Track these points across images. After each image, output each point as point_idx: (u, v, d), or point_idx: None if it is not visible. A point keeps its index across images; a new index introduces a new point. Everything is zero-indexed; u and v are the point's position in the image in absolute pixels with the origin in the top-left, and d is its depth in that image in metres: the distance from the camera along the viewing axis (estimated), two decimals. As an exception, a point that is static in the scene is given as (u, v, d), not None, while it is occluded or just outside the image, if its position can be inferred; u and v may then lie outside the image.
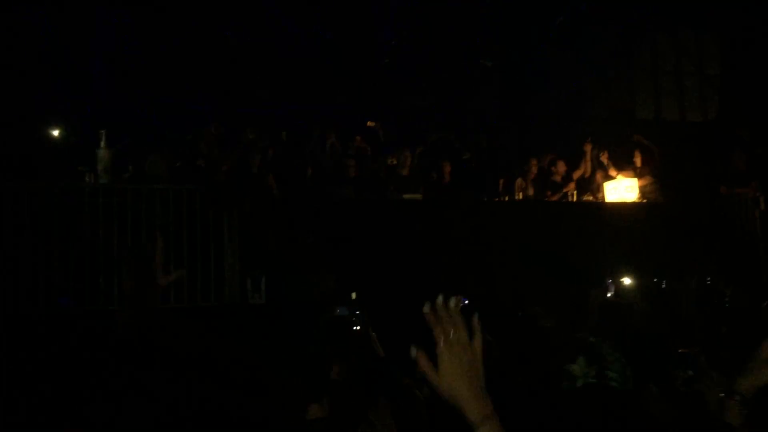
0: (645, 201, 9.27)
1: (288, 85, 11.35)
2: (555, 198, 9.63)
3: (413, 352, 1.42)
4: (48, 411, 5.15)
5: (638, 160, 9.73)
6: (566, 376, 1.96)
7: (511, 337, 4.21)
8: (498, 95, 13.19)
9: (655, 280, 5.23)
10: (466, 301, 5.17)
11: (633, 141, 9.97)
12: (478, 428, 1.41)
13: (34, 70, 10.26)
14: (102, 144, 7.34)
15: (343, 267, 7.03)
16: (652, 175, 9.56)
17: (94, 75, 10.91)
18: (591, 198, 9.44)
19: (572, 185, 9.72)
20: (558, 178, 10.02)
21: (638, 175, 9.52)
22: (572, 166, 10.18)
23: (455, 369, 1.42)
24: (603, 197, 9.36)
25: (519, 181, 9.73)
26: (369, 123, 10.50)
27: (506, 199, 9.20)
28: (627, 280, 5.00)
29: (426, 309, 1.46)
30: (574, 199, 9.43)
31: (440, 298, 1.47)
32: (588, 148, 9.94)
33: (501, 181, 9.49)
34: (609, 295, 4.47)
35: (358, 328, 5.02)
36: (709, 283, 5.99)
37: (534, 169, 9.94)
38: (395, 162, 8.99)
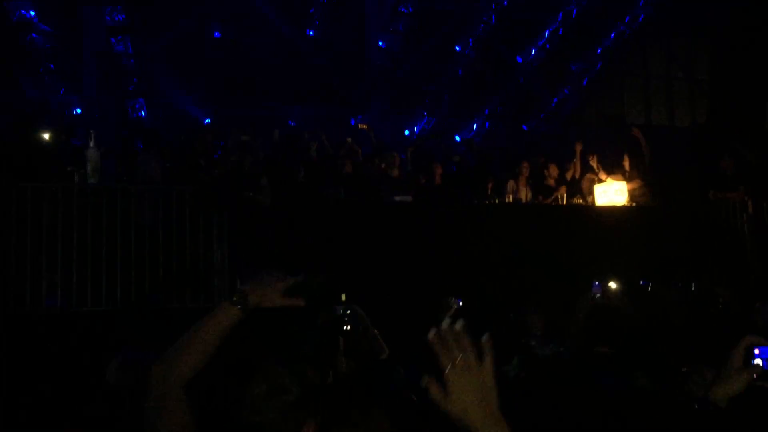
0: (634, 204, 9.31)
1: (280, 86, 11.37)
2: (547, 201, 9.67)
3: (424, 380, 1.36)
4: (41, 410, 5.13)
5: (627, 164, 9.78)
6: (502, 377, 1.96)
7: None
8: (490, 100, 13.25)
9: (642, 282, 5.25)
10: (460, 303, 5.18)
11: (631, 135, 10.01)
12: None
13: (26, 71, 10.24)
14: (91, 144, 7.32)
15: (333, 268, 7.02)
16: (642, 179, 9.61)
17: (85, 76, 10.89)
18: (581, 201, 9.48)
19: (563, 188, 9.76)
20: (551, 182, 10.07)
21: (627, 178, 9.57)
22: (564, 169, 10.23)
23: (466, 394, 1.36)
24: (593, 200, 9.40)
25: (511, 183, 9.76)
26: (360, 125, 10.52)
27: (497, 201, 9.22)
28: (614, 283, 5.01)
29: (431, 335, 1.39)
30: (564, 201, 9.46)
31: (446, 322, 1.40)
32: (579, 148, 9.99)
33: (490, 185, 9.51)
34: (596, 297, 4.48)
35: (349, 327, 5.01)
36: (694, 288, 6.01)
37: (526, 172, 9.98)
38: (384, 165, 9.01)
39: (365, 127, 10.25)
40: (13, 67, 10.05)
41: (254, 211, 7.48)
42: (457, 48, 12.87)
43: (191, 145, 8.34)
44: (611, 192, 9.31)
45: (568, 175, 10.02)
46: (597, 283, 4.30)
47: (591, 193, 9.48)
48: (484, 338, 1.41)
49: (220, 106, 11.14)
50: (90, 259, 6.79)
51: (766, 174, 9.73)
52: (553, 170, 10.12)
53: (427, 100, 12.77)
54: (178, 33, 10.99)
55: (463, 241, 8.00)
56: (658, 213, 9.22)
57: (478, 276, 7.53)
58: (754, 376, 1.91)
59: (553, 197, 9.68)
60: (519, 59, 13.28)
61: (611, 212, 9.04)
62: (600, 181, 9.57)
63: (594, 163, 9.78)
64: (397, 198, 8.49)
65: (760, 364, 1.91)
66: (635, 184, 9.52)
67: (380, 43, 12.47)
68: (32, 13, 9.98)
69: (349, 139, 9.48)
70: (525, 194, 9.77)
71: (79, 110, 10.47)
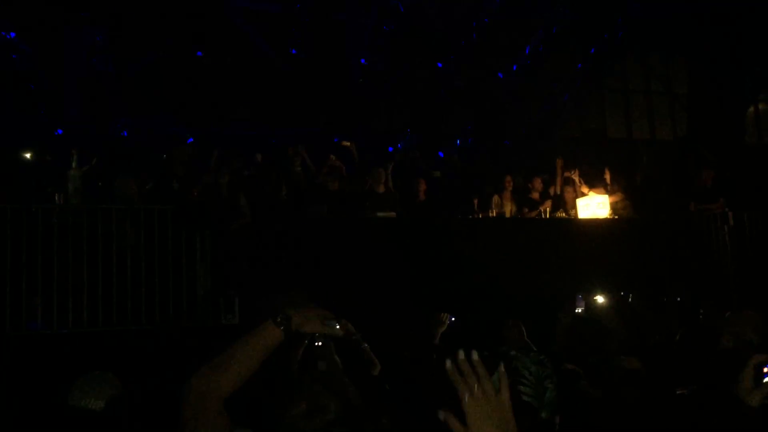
0: (616, 217, 9.38)
1: (261, 105, 11.38)
2: (532, 215, 9.72)
3: (441, 415, 1.36)
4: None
5: (608, 177, 9.87)
6: None
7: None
8: (471, 115, 13.32)
9: (622, 293, 5.27)
10: (453, 318, 5.17)
11: (611, 149, 10.11)
12: None
13: (6, 91, 10.19)
14: (73, 164, 7.28)
15: (316, 285, 7.00)
16: (623, 192, 9.70)
17: (65, 96, 10.84)
18: (564, 215, 9.53)
19: (548, 202, 9.82)
20: (536, 196, 10.13)
21: (609, 191, 9.65)
22: (546, 184, 10.31)
23: (484, 424, 1.37)
24: (575, 214, 9.46)
25: (495, 198, 9.81)
26: (344, 143, 10.52)
27: (480, 216, 9.25)
28: (597, 296, 5.03)
29: (448, 365, 1.41)
30: (547, 215, 9.52)
31: (461, 353, 1.42)
32: (560, 163, 10.07)
33: (476, 200, 9.55)
34: (578, 311, 4.49)
35: (320, 343, 4.97)
36: (679, 300, 6.05)
37: (509, 186, 10.03)
38: (368, 182, 9.02)
39: (348, 144, 10.25)
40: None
41: (235, 231, 7.44)
42: (439, 65, 12.95)
43: (172, 165, 8.31)
44: (594, 205, 9.37)
45: (551, 191, 10.10)
46: (579, 296, 4.31)
47: (573, 206, 9.55)
48: (501, 368, 1.43)
49: (203, 125, 11.13)
50: (71, 280, 6.74)
51: (746, 185, 9.84)
52: (537, 184, 10.20)
53: (410, 116, 12.82)
54: (159, 52, 10.97)
55: (447, 256, 8.01)
56: (640, 225, 9.29)
57: (463, 290, 7.52)
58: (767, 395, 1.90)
59: (537, 211, 9.74)
60: (501, 75, 13.39)
61: (594, 225, 9.10)
62: (582, 194, 9.64)
63: (576, 177, 9.86)
64: (381, 214, 8.50)
65: None
66: (617, 197, 9.61)
67: (362, 61, 12.52)
68: (12, 34, 9.94)
69: (333, 156, 9.48)
70: (510, 208, 9.82)
71: (60, 131, 10.42)
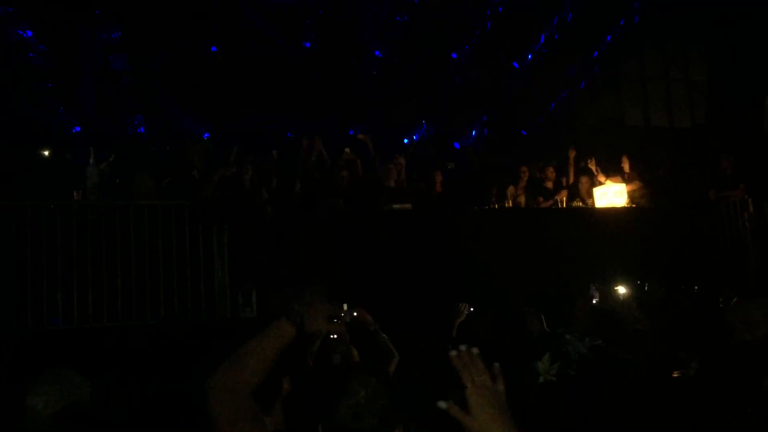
0: (634, 206, 9.30)
1: (276, 99, 11.39)
2: (546, 205, 9.67)
3: (442, 404, 1.43)
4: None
5: (626, 166, 9.79)
6: (530, 373, 1.98)
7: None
8: (486, 106, 13.26)
9: (639, 282, 5.24)
10: (472, 309, 5.17)
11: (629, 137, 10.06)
12: None
13: (23, 90, 10.29)
14: (91, 161, 7.35)
15: (334, 278, 7.02)
16: (641, 180, 9.61)
17: (83, 93, 10.93)
18: (580, 204, 9.47)
19: (563, 192, 9.76)
20: (550, 185, 10.08)
21: (627, 180, 9.57)
22: (562, 173, 10.25)
23: (487, 410, 1.42)
24: (593, 203, 9.39)
25: (511, 188, 9.77)
26: (359, 136, 10.52)
27: (496, 207, 9.22)
28: (612, 286, 5.00)
29: (453, 354, 1.49)
30: (564, 205, 9.46)
31: (464, 346, 1.50)
32: (572, 154, 10.01)
33: (495, 190, 9.52)
34: (595, 301, 4.46)
35: (335, 336, 4.99)
36: (697, 290, 6.00)
37: (525, 177, 9.99)
38: (384, 174, 9.02)
39: (363, 137, 10.25)
40: (11, 87, 10.10)
41: (253, 225, 7.48)
42: (454, 55, 12.90)
43: (188, 160, 8.35)
44: (611, 194, 9.30)
45: (564, 181, 10.03)
46: (593, 287, 4.29)
47: (590, 195, 9.48)
48: (496, 365, 1.50)
49: (218, 120, 11.17)
50: (90, 276, 6.81)
51: (766, 172, 9.71)
52: (550, 173, 10.14)
53: (425, 108, 12.79)
54: (174, 49, 11.03)
55: (463, 247, 7.99)
56: (658, 214, 9.21)
57: (481, 281, 7.52)
58: None
59: (552, 200, 9.69)
60: (516, 64, 13.31)
61: (611, 214, 9.04)
62: (599, 183, 9.57)
63: (592, 166, 9.79)
64: (396, 206, 8.49)
65: None
66: (635, 186, 9.53)
67: (376, 53, 12.50)
68: (29, 33, 10.04)
69: (348, 149, 9.49)
70: (525, 199, 9.78)
71: (77, 128, 10.52)
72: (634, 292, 5.10)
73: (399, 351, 4.35)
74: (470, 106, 13.14)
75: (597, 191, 9.42)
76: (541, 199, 9.80)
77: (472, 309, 5.25)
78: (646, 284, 5.32)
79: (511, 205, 9.41)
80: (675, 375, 2.92)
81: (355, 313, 5.20)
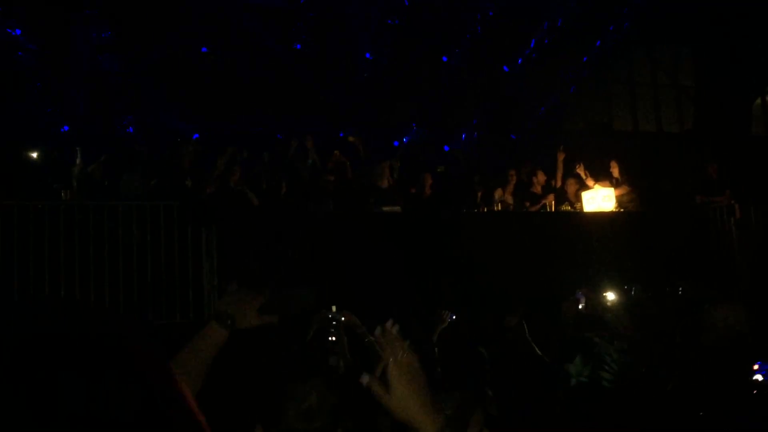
0: (622, 210, 9.35)
1: (266, 100, 11.39)
2: (534, 208, 9.70)
3: (365, 379, 1.45)
4: None
5: (616, 170, 9.84)
6: (562, 375, 2.00)
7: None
8: (477, 109, 13.30)
9: (626, 287, 5.26)
10: (454, 317, 5.18)
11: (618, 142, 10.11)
12: None
13: (12, 89, 10.24)
14: (78, 161, 7.33)
15: (322, 280, 7.03)
16: (629, 185, 9.67)
17: (71, 93, 10.89)
18: (569, 208, 9.51)
19: (551, 196, 9.80)
20: (538, 189, 10.10)
21: (615, 184, 9.62)
22: (551, 177, 10.29)
23: (405, 388, 1.45)
24: (581, 207, 9.44)
25: (498, 191, 9.80)
26: (350, 138, 10.54)
27: (485, 210, 9.24)
28: (602, 291, 5.02)
29: (377, 332, 1.49)
30: (552, 209, 9.50)
31: (389, 323, 1.50)
32: (561, 157, 10.05)
33: (480, 193, 9.54)
34: (581, 306, 4.47)
35: (334, 338, 4.99)
36: (681, 292, 6.03)
37: (513, 180, 10.02)
38: (373, 176, 9.04)
39: (354, 139, 10.27)
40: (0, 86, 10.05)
41: (241, 226, 7.48)
42: (444, 58, 12.93)
43: (177, 160, 8.34)
44: (599, 198, 9.35)
45: (553, 183, 10.07)
46: (579, 292, 4.30)
47: (578, 199, 9.53)
48: (407, 341, 1.51)
49: (208, 120, 11.15)
50: (77, 276, 6.79)
51: (753, 178, 9.80)
52: (541, 177, 10.17)
53: (416, 110, 12.81)
54: (164, 49, 10.99)
55: (451, 250, 8.01)
56: (646, 218, 9.27)
57: (467, 285, 7.53)
58: None
59: (540, 204, 9.72)
60: (506, 68, 13.35)
61: (599, 219, 9.09)
62: (587, 187, 9.62)
63: (581, 171, 9.83)
64: (386, 208, 8.51)
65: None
66: (623, 190, 9.58)
67: (367, 55, 12.51)
68: (18, 31, 9.98)
69: (337, 152, 9.50)
70: (513, 202, 9.81)
71: (66, 128, 10.47)
72: (621, 297, 5.12)
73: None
74: (461, 109, 13.18)
75: (585, 195, 9.47)
76: (528, 204, 9.82)
77: (454, 317, 5.25)
78: (633, 289, 5.35)
79: (499, 208, 9.44)
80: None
81: (342, 316, 5.21)
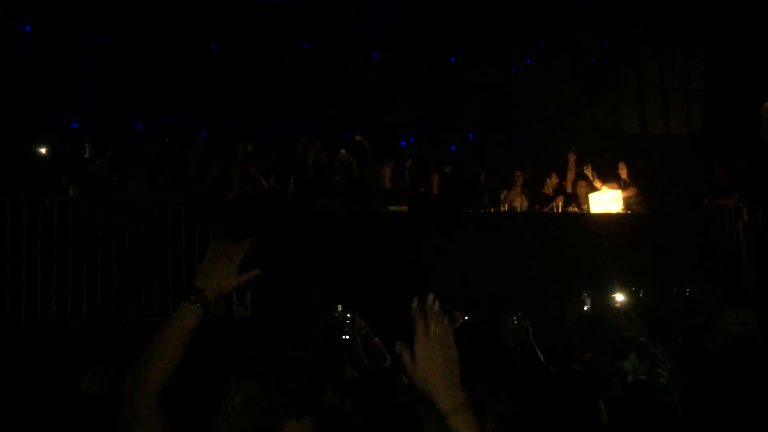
0: (629, 212, 9.33)
1: (274, 98, 11.41)
2: (545, 210, 9.68)
3: (398, 347, 1.53)
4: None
5: (624, 172, 9.81)
6: (617, 372, 2.02)
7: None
8: (484, 110, 13.28)
9: (633, 289, 5.25)
10: (466, 318, 5.17)
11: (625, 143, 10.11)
12: (449, 417, 1.49)
13: (22, 86, 10.28)
14: (86, 157, 7.36)
15: (328, 279, 7.04)
16: (637, 187, 9.64)
17: (79, 90, 10.93)
18: (576, 209, 9.49)
19: (560, 197, 9.78)
20: (549, 191, 10.08)
21: (623, 186, 9.60)
22: (561, 178, 10.26)
23: (430, 361, 1.50)
24: (588, 209, 9.42)
25: (504, 192, 9.79)
26: (356, 137, 10.54)
27: (491, 210, 9.23)
28: (609, 293, 5.00)
29: (414, 304, 1.54)
30: (560, 210, 9.48)
31: (431, 297, 1.55)
32: (572, 158, 10.01)
33: (486, 194, 9.53)
34: (586, 308, 4.45)
35: (347, 338, 5.00)
36: (688, 293, 6.01)
37: (519, 181, 10.00)
38: (380, 176, 9.04)
39: (360, 138, 10.27)
40: (9, 83, 10.09)
41: (247, 225, 7.49)
42: (452, 59, 12.92)
43: (184, 158, 8.37)
44: (606, 200, 9.33)
45: (567, 186, 10.04)
46: (585, 294, 4.28)
47: (586, 201, 9.51)
48: (446, 317, 1.56)
49: (216, 119, 11.18)
50: (85, 272, 6.82)
51: (761, 180, 9.76)
52: (553, 179, 10.15)
53: (422, 110, 12.81)
54: (172, 48, 11.03)
55: (458, 250, 8.01)
56: (653, 220, 9.24)
57: (473, 285, 7.53)
58: None
59: (550, 206, 9.71)
60: (513, 69, 13.34)
61: (606, 220, 9.06)
62: (595, 189, 9.60)
63: (589, 172, 9.81)
64: (393, 208, 8.51)
65: None
66: (630, 192, 9.56)
67: (375, 54, 12.52)
68: (28, 28, 10.03)
69: (343, 151, 9.50)
70: (520, 203, 9.79)
71: (75, 124, 10.51)
72: (629, 298, 5.10)
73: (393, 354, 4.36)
74: (467, 109, 13.17)
75: (593, 197, 9.45)
76: (538, 206, 9.81)
77: (466, 318, 5.24)
78: (641, 290, 5.34)
79: (506, 208, 9.42)
80: None
81: (348, 315, 5.22)
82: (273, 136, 10.46)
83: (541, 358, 3.77)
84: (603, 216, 9.16)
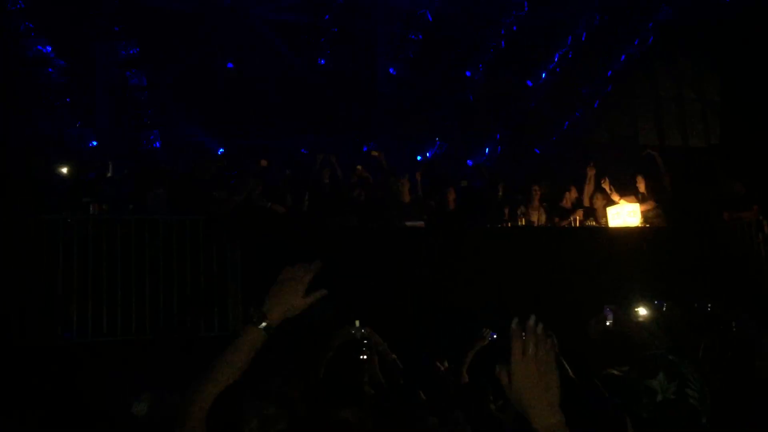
0: (648, 226, 9.25)
1: (291, 115, 11.48)
2: (563, 224, 9.63)
3: (497, 369, 1.56)
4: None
5: (642, 185, 9.74)
6: (645, 391, 1.99)
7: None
8: (500, 124, 13.28)
9: (656, 302, 5.19)
10: (494, 336, 5.13)
11: (645, 155, 10.06)
12: None
13: (41, 105, 10.42)
14: (108, 175, 7.43)
15: (344, 294, 7.01)
16: (656, 200, 9.56)
17: (99, 108, 11.06)
18: (594, 223, 9.43)
19: (579, 211, 9.72)
20: (568, 204, 10.02)
21: (641, 200, 9.52)
22: (579, 192, 10.20)
23: (525, 380, 1.53)
24: (606, 222, 9.35)
25: (521, 208, 9.75)
26: (373, 152, 10.57)
27: (509, 225, 9.20)
28: (633, 307, 4.94)
29: (513, 324, 1.57)
30: (577, 224, 9.43)
31: (533, 319, 1.57)
32: (591, 172, 9.96)
33: (507, 209, 9.50)
34: (608, 323, 4.40)
35: (365, 357, 4.96)
36: (710, 308, 5.93)
37: (537, 195, 9.96)
38: (395, 191, 9.04)
39: (377, 154, 10.29)
40: (29, 102, 10.23)
41: (265, 241, 7.51)
42: (468, 73, 12.95)
43: (202, 175, 8.42)
44: (624, 214, 9.26)
45: (585, 200, 9.98)
46: (608, 309, 4.23)
47: (604, 215, 9.44)
48: (552, 339, 1.58)
49: (233, 136, 11.26)
50: (105, 290, 6.86)
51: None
52: (573, 192, 10.09)
53: (439, 125, 12.83)
54: (190, 65, 11.14)
55: (476, 266, 7.97)
56: (672, 234, 9.15)
57: (493, 301, 7.48)
58: None
59: (568, 220, 9.65)
60: (530, 83, 13.34)
61: (625, 234, 8.99)
62: (613, 202, 9.54)
63: (606, 186, 9.75)
64: (409, 223, 8.50)
65: None
66: (649, 206, 9.48)
67: (390, 70, 12.58)
68: (48, 48, 10.18)
69: (359, 167, 9.52)
70: (537, 217, 9.75)
71: (94, 143, 10.63)
72: (653, 313, 5.04)
73: (411, 370, 4.34)
74: (484, 123, 13.17)
75: (611, 211, 9.38)
76: (557, 219, 9.76)
77: (494, 335, 5.17)
78: (665, 305, 5.28)
79: (523, 223, 9.38)
80: None
81: (363, 331, 5.19)
82: (290, 153, 10.52)
83: (571, 373, 3.73)
84: (621, 230, 9.09)
